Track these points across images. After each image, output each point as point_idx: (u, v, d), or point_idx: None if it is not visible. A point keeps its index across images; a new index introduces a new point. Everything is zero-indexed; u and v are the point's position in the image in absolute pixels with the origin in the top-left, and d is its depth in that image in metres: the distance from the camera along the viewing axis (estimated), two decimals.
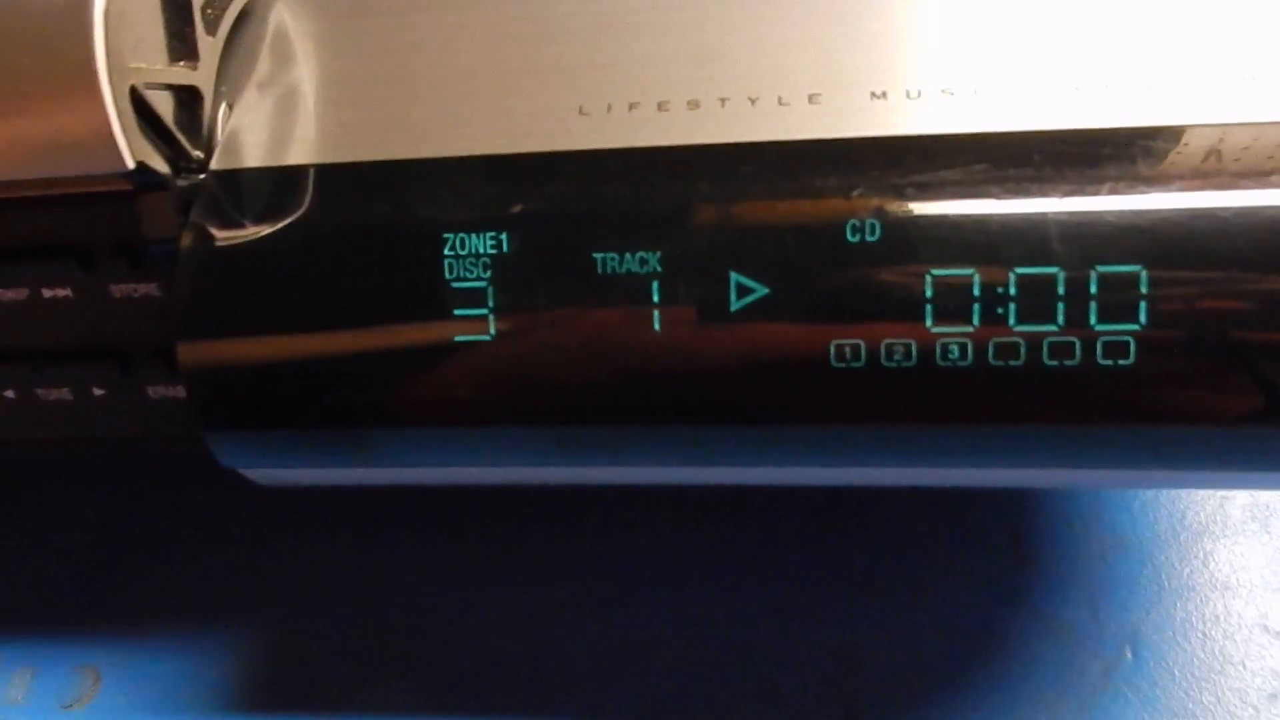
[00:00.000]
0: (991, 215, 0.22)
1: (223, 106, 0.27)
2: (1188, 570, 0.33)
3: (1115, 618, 0.32)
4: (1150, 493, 0.34)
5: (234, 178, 0.26)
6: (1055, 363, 0.22)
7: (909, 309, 0.23)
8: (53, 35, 0.24)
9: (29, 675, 0.35)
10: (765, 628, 0.33)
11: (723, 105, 0.25)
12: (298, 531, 0.37)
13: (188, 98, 0.27)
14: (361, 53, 0.28)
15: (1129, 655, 0.31)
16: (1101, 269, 0.22)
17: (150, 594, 0.36)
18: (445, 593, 0.35)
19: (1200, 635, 0.31)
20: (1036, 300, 0.22)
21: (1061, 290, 0.22)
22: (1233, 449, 0.23)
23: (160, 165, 0.25)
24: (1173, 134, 0.22)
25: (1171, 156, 0.22)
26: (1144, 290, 0.22)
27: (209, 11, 0.27)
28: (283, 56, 0.28)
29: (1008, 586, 0.33)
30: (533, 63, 0.26)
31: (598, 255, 0.24)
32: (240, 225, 0.25)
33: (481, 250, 0.24)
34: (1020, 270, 0.22)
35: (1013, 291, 0.22)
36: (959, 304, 0.22)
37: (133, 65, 0.25)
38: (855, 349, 0.23)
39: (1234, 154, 0.22)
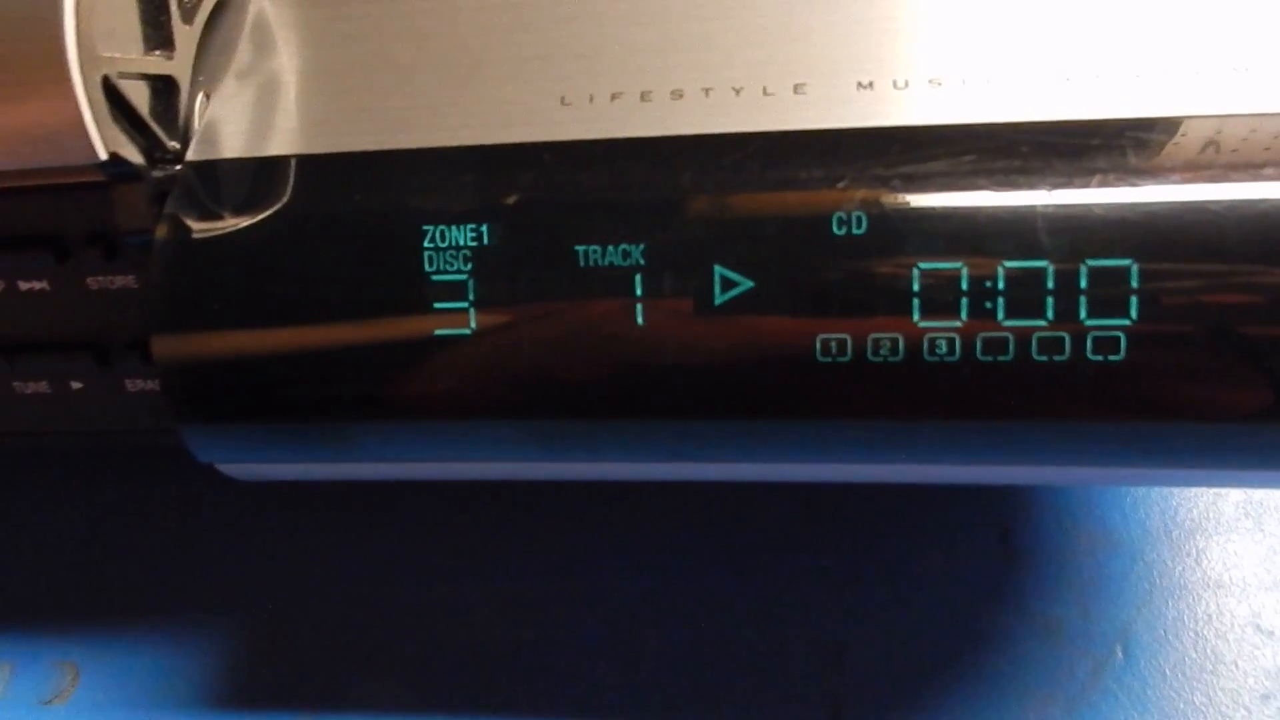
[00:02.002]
0: (979, 208, 0.22)
1: (200, 96, 0.27)
2: (1180, 568, 0.32)
3: (1105, 616, 0.32)
4: (1141, 490, 0.34)
5: (210, 169, 0.26)
6: (1045, 358, 0.22)
7: (896, 303, 0.22)
8: (22, 23, 0.23)
9: (7, 671, 0.34)
10: (750, 624, 0.33)
11: (707, 95, 0.24)
12: (280, 526, 0.36)
13: (163, 88, 0.26)
14: (341, 42, 0.27)
15: (1119, 654, 0.31)
16: (1091, 263, 0.21)
17: (130, 589, 0.36)
18: (429, 588, 0.34)
19: (1192, 634, 0.31)
20: (1025, 294, 0.22)
21: (1051, 284, 0.22)
22: (1226, 446, 0.22)
23: (134, 156, 0.25)
24: (1164, 125, 0.22)
25: (1163, 148, 0.22)
26: (1135, 284, 0.21)
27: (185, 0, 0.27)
28: (261, 46, 0.27)
29: (996, 583, 0.32)
30: (514, 52, 0.26)
31: (580, 248, 0.23)
32: (217, 217, 0.25)
33: (462, 242, 0.24)
34: (1009, 264, 0.22)
35: (1001, 285, 0.22)
36: (947, 298, 0.22)
37: (105, 54, 0.24)
38: (841, 343, 0.23)
39: (1226, 146, 0.22)
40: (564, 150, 0.24)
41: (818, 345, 0.23)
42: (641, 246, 0.23)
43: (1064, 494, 0.34)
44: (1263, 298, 0.21)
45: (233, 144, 0.26)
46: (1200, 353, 0.21)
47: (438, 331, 0.24)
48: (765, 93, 0.24)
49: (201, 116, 0.26)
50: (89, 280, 0.28)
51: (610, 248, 0.23)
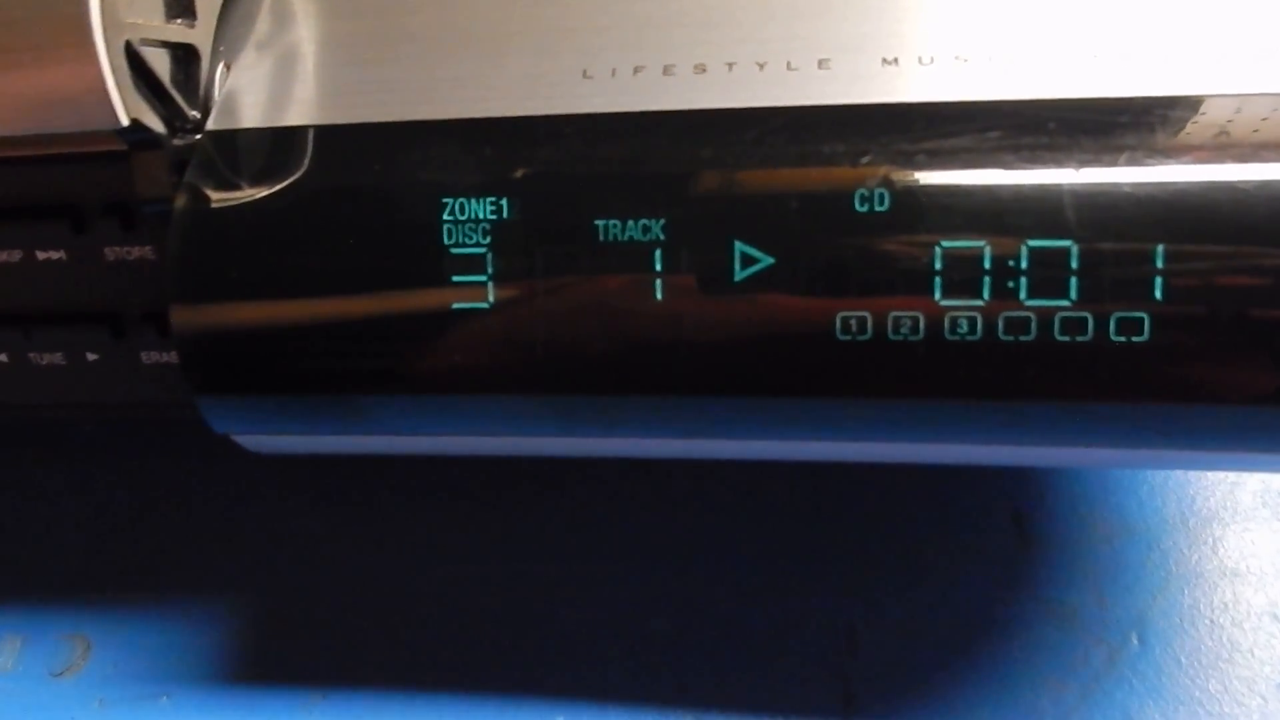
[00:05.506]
0: (1004, 185, 0.22)
1: (220, 66, 0.27)
2: (1196, 556, 0.32)
3: (1121, 603, 0.31)
4: (1158, 477, 0.34)
5: (230, 138, 0.25)
6: (1067, 338, 0.22)
7: (918, 281, 0.22)
8: None
9: (18, 643, 0.34)
10: (763, 607, 0.32)
11: (730, 70, 0.24)
12: (290, 503, 0.36)
13: (185, 56, 0.26)
14: (362, 12, 0.27)
15: (1135, 641, 0.31)
16: (1117, 242, 0.21)
17: (141, 563, 0.36)
18: (438, 566, 0.34)
19: (1208, 622, 0.31)
20: (1049, 274, 0.22)
21: (1075, 264, 0.21)
22: (1250, 429, 0.22)
23: (155, 124, 0.25)
24: (1192, 104, 0.22)
25: (1190, 127, 0.22)
26: (1160, 265, 0.21)
27: None
28: (282, 16, 0.27)
29: (1010, 569, 0.32)
30: (536, 24, 0.26)
31: (599, 222, 0.23)
32: (236, 186, 0.25)
33: (481, 215, 0.23)
34: (1033, 243, 0.22)
35: (1024, 265, 0.22)
36: (969, 277, 0.22)
37: (128, 21, 0.24)
38: (862, 321, 0.22)
39: (1255, 125, 0.21)
40: (585, 123, 0.24)
41: (838, 323, 0.22)
42: (661, 221, 0.23)
43: (1079, 480, 0.34)
44: None
45: (253, 114, 0.26)
46: (1225, 335, 0.21)
47: (456, 305, 0.24)
48: (789, 67, 0.24)
49: (222, 86, 0.26)
50: (106, 251, 0.28)
51: (630, 222, 0.23)
